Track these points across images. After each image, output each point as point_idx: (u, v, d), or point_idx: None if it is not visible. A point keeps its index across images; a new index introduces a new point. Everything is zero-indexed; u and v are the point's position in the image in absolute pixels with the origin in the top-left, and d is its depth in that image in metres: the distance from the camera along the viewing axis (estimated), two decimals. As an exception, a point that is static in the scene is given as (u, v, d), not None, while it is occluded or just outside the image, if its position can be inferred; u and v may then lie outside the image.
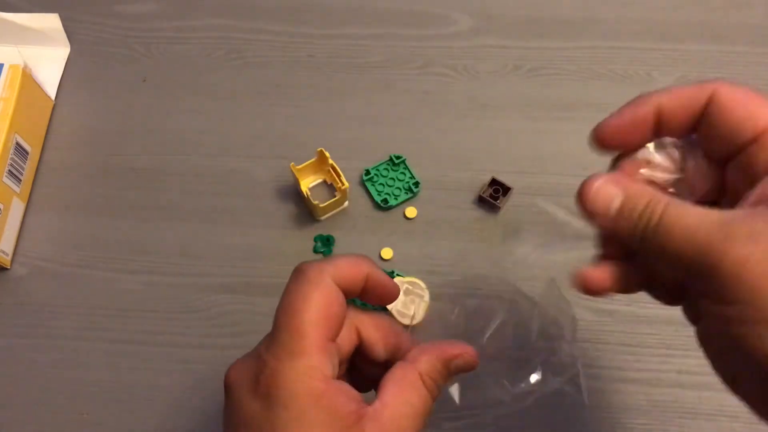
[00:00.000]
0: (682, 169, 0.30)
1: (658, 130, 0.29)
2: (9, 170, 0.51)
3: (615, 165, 0.32)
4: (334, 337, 0.30)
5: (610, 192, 0.27)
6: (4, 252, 0.51)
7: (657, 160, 0.30)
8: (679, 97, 0.28)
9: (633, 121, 0.29)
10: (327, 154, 0.51)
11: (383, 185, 0.53)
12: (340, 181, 0.51)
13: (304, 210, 0.53)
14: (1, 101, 0.51)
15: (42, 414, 0.47)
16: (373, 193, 0.53)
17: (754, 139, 0.26)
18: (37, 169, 0.55)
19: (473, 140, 0.55)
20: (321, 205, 0.50)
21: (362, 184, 0.54)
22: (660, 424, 0.46)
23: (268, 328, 0.50)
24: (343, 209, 0.53)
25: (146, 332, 0.49)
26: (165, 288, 0.51)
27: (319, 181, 0.54)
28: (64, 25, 0.60)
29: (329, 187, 0.54)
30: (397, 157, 0.54)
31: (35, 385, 0.48)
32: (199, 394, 0.48)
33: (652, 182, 0.30)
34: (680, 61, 0.58)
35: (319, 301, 0.29)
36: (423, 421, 0.30)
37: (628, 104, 0.30)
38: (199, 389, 0.48)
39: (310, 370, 0.28)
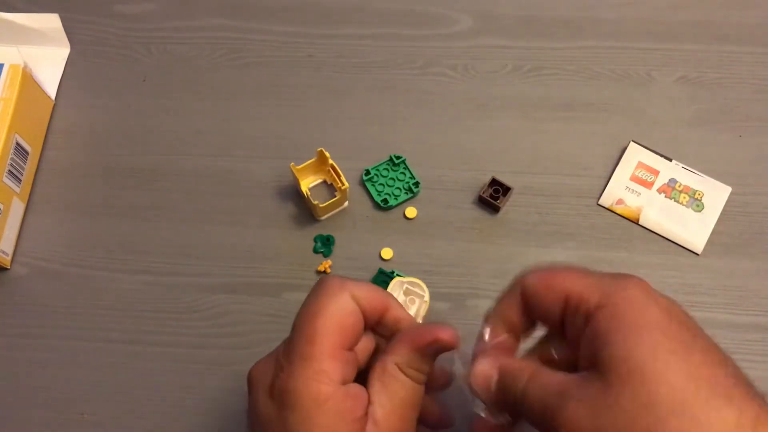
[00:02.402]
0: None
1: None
2: (9, 170, 0.51)
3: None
4: (349, 346, 0.31)
5: (487, 372, 0.31)
6: (4, 252, 0.51)
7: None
8: (508, 306, 0.33)
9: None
10: (327, 154, 0.51)
11: (383, 185, 0.53)
12: (340, 181, 0.51)
13: (304, 210, 0.53)
14: (1, 101, 0.51)
15: (42, 414, 0.47)
16: (373, 193, 0.53)
17: (564, 310, 0.31)
18: (37, 169, 0.55)
19: (473, 140, 0.55)
20: (321, 205, 0.50)
21: (362, 184, 0.54)
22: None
23: (268, 328, 0.50)
24: (343, 209, 0.53)
25: (146, 332, 0.49)
26: (165, 288, 0.51)
27: (319, 181, 0.54)
28: (64, 25, 0.60)
29: (329, 187, 0.54)
30: (397, 157, 0.54)
31: (35, 385, 0.48)
32: (199, 394, 0.48)
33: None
34: (680, 61, 0.58)
35: (335, 311, 0.30)
36: (415, 409, 0.31)
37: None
38: (199, 389, 0.48)
39: (318, 374, 0.29)
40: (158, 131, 0.57)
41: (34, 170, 0.55)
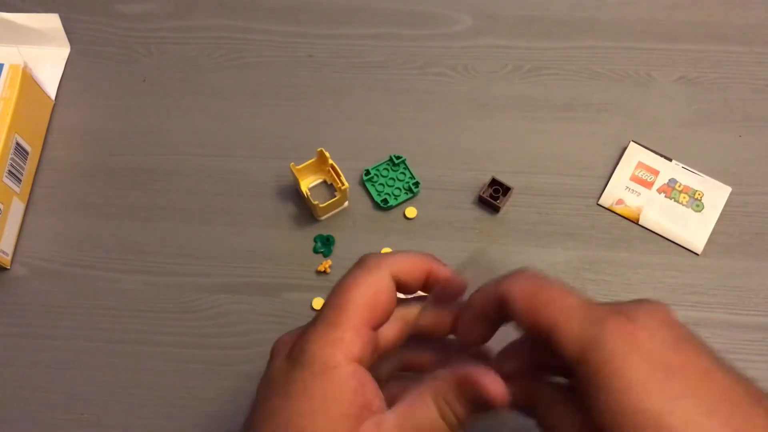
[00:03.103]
0: None
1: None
2: (9, 170, 0.51)
3: None
4: (375, 325, 0.30)
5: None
6: (4, 252, 0.51)
7: None
8: (483, 300, 0.31)
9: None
10: (327, 154, 0.51)
11: (383, 185, 0.53)
12: (340, 181, 0.51)
13: (304, 210, 0.53)
14: (1, 101, 0.51)
15: (42, 414, 0.47)
16: (373, 193, 0.53)
17: (546, 339, 0.27)
18: (37, 169, 0.55)
19: (473, 140, 0.55)
20: (321, 205, 0.50)
21: (362, 184, 0.54)
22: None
23: (268, 328, 0.50)
24: (343, 209, 0.53)
25: (146, 332, 0.49)
26: (165, 288, 0.51)
27: (319, 181, 0.54)
28: (64, 25, 0.60)
29: (329, 187, 0.54)
30: (397, 157, 0.54)
31: (35, 385, 0.48)
32: (199, 394, 0.48)
33: None
34: (680, 61, 0.58)
35: (368, 286, 0.30)
36: None
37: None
38: (199, 389, 0.48)
39: (336, 341, 0.28)
40: (158, 131, 0.57)
41: (34, 170, 0.55)
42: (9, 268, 0.52)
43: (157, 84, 0.59)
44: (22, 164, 0.53)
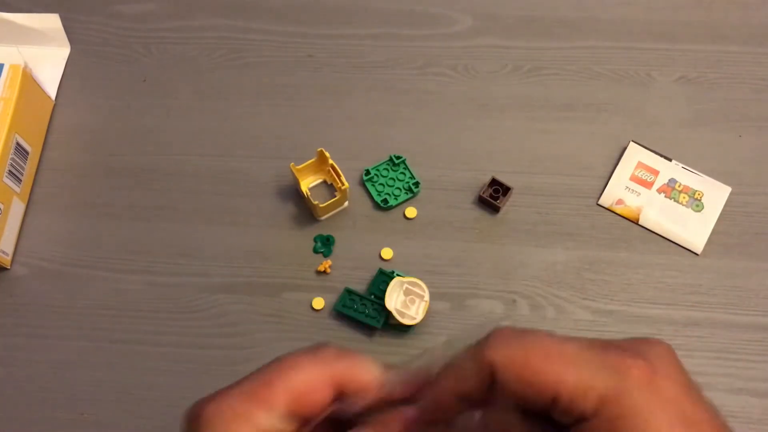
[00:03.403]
0: None
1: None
2: (9, 170, 0.51)
3: None
4: (297, 416, 0.26)
5: None
6: (4, 252, 0.51)
7: None
8: (458, 386, 0.26)
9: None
10: (327, 154, 0.51)
11: (383, 185, 0.53)
12: (340, 181, 0.51)
13: (304, 210, 0.53)
14: (2, 101, 0.51)
15: (42, 414, 0.47)
16: (373, 193, 0.53)
17: (550, 405, 0.24)
18: (37, 169, 0.55)
19: (473, 140, 0.55)
20: (321, 205, 0.50)
21: (362, 184, 0.54)
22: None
23: (268, 328, 0.50)
24: (343, 209, 0.53)
25: (146, 332, 0.49)
26: (165, 288, 0.51)
27: (319, 181, 0.54)
28: (64, 25, 0.60)
29: (329, 187, 0.54)
30: (397, 157, 0.54)
31: (35, 385, 0.48)
32: (198, 394, 0.47)
33: None
34: (680, 61, 0.58)
35: (306, 377, 0.26)
36: None
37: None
38: (199, 389, 0.47)
39: (249, 418, 0.25)
40: (158, 131, 0.57)
41: (34, 170, 0.55)
42: (9, 268, 0.52)
43: (157, 84, 0.59)
44: (22, 164, 0.53)
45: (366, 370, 0.27)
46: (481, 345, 0.25)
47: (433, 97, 0.57)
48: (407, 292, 0.48)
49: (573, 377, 0.23)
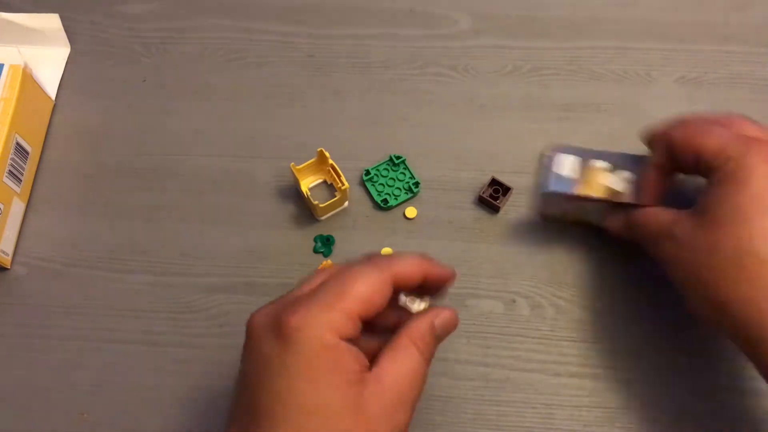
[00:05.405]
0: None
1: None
2: (9, 170, 0.51)
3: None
4: (365, 318, 0.33)
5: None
6: (4, 252, 0.51)
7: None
8: (662, 149, 0.43)
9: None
10: (327, 154, 0.51)
11: (383, 185, 0.53)
12: (340, 181, 0.51)
13: (304, 210, 0.53)
14: (2, 101, 0.51)
15: (42, 414, 0.47)
16: (373, 193, 0.53)
17: (696, 161, 0.40)
18: (37, 169, 0.55)
19: (473, 140, 0.55)
20: (321, 205, 0.50)
21: (362, 184, 0.54)
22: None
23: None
24: (343, 209, 0.53)
25: (146, 332, 0.49)
26: (165, 288, 0.51)
27: (319, 181, 0.54)
28: (64, 25, 0.60)
29: (329, 187, 0.54)
30: (397, 157, 0.54)
31: (35, 385, 0.48)
32: (198, 394, 0.48)
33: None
34: (680, 61, 0.58)
35: (370, 283, 0.33)
36: (420, 381, 0.34)
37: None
38: (199, 389, 0.48)
39: (331, 323, 0.31)
40: (158, 131, 0.57)
41: (34, 170, 0.55)
42: (9, 268, 0.52)
43: (157, 84, 0.59)
44: (22, 164, 0.53)
45: (412, 264, 0.35)
46: (667, 128, 0.42)
47: (433, 97, 0.57)
48: (407, 292, 0.48)
49: (712, 142, 0.38)
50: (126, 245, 0.52)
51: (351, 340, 0.32)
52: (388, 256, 0.35)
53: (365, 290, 0.32)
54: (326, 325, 0.31)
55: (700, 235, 0.37)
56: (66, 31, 0.60)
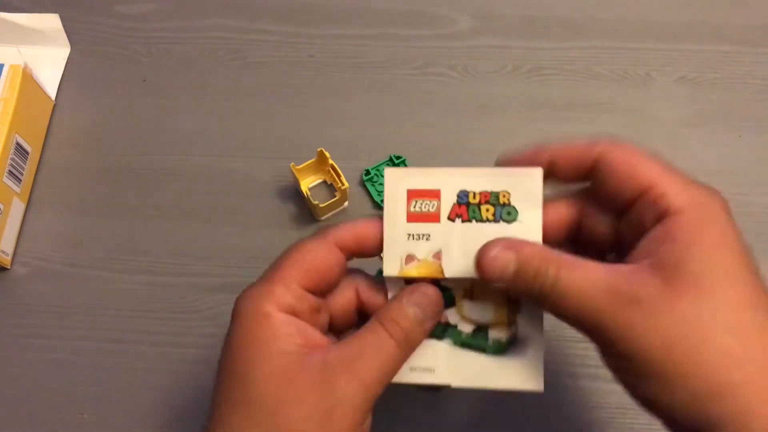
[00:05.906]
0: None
1: (551, 175, 0.33)
2: (9, 170, 0.51)
3: None
4: (310, 286, 0.31)
5: (505, 258, 0.30)
6: (4, 252, 0.51)
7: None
8: (569, 154, 0.32)
9: (529, 163, 0.33)
10: (327, 154, 0.51)
11: (383, 185, 0.53)
12: (340, 181, 0.51)
13: (304, 210, 0.53)
14: (1, 101, 0.51)
15: (42, 414, 0.47)
16: (373, 193, 0.53)
17: (638, 197, 0.29)
18: (37, 169, 0.55)
19: (473, 140, 0.55)
20: (321, 205, 0.50)
21: (362, 184, 0.54)
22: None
23: (268, 328, 0.50)
24: (343, 209, 0.53)
25: (146, 332, 0.49)
26: (165, 288, 0.51)
27: (319, 181, 0.54)
28: (64, 25, 0.60)
29: (329, 187, 0.54)
30: (397, 157, 0.54)
31: (35, 385, 0.48)
32: (199, 394, 0.48)
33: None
34: (680, 61, 0.58)
35: (306, 251, 0.32)
36: (387, 365, 0.30)
37: (529, 148, 0.34)
38: (199, 389, 0.48)
39: (267, 294, 0.30)
40: (158, 131, 0.57)
41: (34, 170, 0.55)
42: (9, 268, 0.52)
43: (157, 84, 0.59)
44: (22, 164, 0.53)
45: (359, 226, 0.33)
46: (596, 139, 0.31)
47: (433, 97, 0.57)
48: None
49: (667, 179, 0.28)
50: (126, 245, 0.52)
51: (300, 314, 0.30)
52: (333, 225, 0.33)
53: (302, 257, 0.31)
54: (263, 297, 0.30)
55: (685, 301, 0.26)
56: (66, 31, 0.60)
